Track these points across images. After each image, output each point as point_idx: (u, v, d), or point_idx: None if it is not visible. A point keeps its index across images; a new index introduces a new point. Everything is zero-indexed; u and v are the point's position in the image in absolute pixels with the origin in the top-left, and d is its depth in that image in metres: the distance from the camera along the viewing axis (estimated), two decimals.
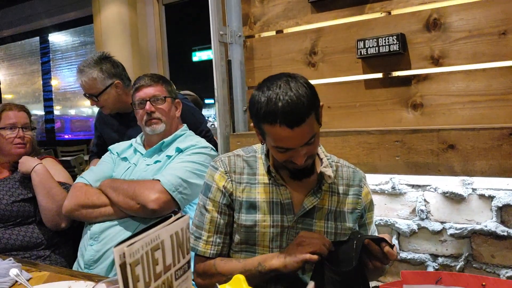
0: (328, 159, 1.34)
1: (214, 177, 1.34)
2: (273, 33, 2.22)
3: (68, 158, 5.69)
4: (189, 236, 1.29)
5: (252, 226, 1.28)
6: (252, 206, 1.30)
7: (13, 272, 1.25)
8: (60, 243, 1.96)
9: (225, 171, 1.33)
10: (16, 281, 1.25)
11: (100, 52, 2.28)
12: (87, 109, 8.69)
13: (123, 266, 0.52)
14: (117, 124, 2.35)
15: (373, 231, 1.46)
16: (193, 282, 1.42)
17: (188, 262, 0.69)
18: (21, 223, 1.88)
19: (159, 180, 1.63)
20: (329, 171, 1.30)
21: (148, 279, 0.57)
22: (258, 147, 1.39)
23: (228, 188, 1.32)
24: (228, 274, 1.21)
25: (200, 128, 2.23)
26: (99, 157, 2.06)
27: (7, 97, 9.44)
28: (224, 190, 1.32)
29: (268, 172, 1.31)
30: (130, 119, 2.17)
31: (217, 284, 0.74)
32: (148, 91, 1.82)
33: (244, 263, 1.24)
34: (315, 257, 1.11)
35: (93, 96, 2.20)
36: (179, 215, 0.67)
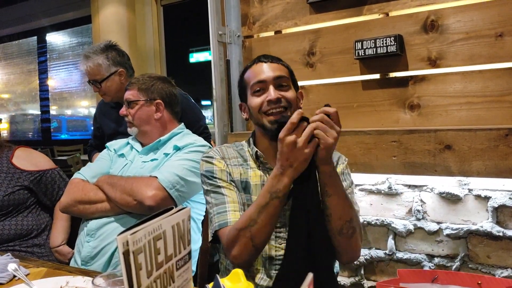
0: None
1: (212, 162, 1.38)
2: (272, 33, 2.23)
3: (64, 158, 5.68)
4: (212, 218, 1.29)
5: (249, 205, 1.31)
6: (247, 187, 1.36)
7: (11, 267, 1.25)
8: (47, 226, 1.97)
9: (221, 157, 1.39)
10: (15, 276, 1.25)
11: (106, 41, 2.34)
12: (83, 109, 8.68)
13: (126, 254, 0.53)
14: (116, 114, 2.37)
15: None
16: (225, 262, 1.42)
17: (189, 254, 0.69)
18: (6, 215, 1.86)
19: (156, 177, 1.63)
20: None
21: (150, 267, 0.58)
22: (244, 143, 1.47)
23: (227, 170, 1.37)
24: (247, 223, 1.18)
25: (199, 123, 2.26)
26: (99, 150, 2.07)
27: (3, 96, 9.42)
28: (226, 170, 1.36)
29: (256, 158, 1.37)
30: None
31: (217, 275, 0.74)
32: (126, 94, 1.87)
33: (255, 203, 1.20)
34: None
35: (97, 82, 2.24)
36: (180, 207, 0.67)
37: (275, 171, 1.17)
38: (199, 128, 2.22)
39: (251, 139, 1.43)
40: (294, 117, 1.11)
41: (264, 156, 1.36)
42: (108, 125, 2.43)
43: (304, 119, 1.13)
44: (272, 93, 1.30)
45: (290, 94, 1.33)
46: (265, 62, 1.36)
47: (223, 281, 0.83)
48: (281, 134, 1.11)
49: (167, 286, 0.62)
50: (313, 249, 1.19)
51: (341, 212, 1.19)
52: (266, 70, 1.34)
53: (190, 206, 1.74)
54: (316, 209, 1.19)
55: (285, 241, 1.30)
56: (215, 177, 1.35)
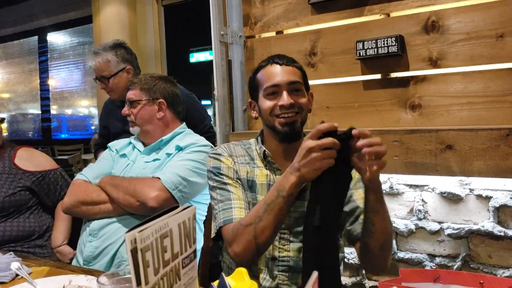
0: None
1: (220, 159, 1.38)
2: (273, 33, 2.24)
3: (65, 157, 5.68)
4: (216, 214, 1.28)
5: (254, 204, 1.33)
6: (253, 186, 1.36)
7: (14, 266, 1.25)
8: (49, 228, 1.97)
9: (229, 154, 1.40)
10: (17, 275, 1.26)
11: (115, 39, 2.38)
12: (83, 108, 8.68)
13: (134, 252, 0.53)
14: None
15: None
16: (229, 260, 1.41)
17: (194, 252, 0.70)
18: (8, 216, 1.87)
19: (159, 178, 1.63)
20: None
21: (158, 265, 0.58)
22: (252, 141, 1.46)
23: (234, 167, 1.37)
24: (254, 219, 1.18)
25: (204, 122, 2.27)
26: (105, 149, 2.08)
27: (4, 96, 9.42)
28: (233, 167, 1.37)
29: (264, 157, 1.37)
30: None
31: (222, 273, 0.75)
32: (128, 94, 1.87)
33: (262, 200, 1.21)
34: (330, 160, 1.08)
35: (104, 78, 2.26)
36: (185, 205, 0.68)
37: (287, 169, 1.17)
38: (204, 127, 2.23)
39: (259, 137, 1.43)
40: (325, 126, 1.08)
41: (271, 156, 1.36)
42: (114, 124, 2.44)
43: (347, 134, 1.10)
44: (285, 98, 1.29)
45: (303, 100, 1.33)
46: (280, 64, 1.34)
47: (227, 279, 0.84)
48: (306, 136, 1.11)
49: (173, 283, 0.63)
50: (320, 253, 1.19)
51: (385, 227, 1.19)
52: (280, 74, 1.32)
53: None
54: (327, 215, 1.18)
55: (288, 243, 1.30)
56: (222, 174, 1.35)
